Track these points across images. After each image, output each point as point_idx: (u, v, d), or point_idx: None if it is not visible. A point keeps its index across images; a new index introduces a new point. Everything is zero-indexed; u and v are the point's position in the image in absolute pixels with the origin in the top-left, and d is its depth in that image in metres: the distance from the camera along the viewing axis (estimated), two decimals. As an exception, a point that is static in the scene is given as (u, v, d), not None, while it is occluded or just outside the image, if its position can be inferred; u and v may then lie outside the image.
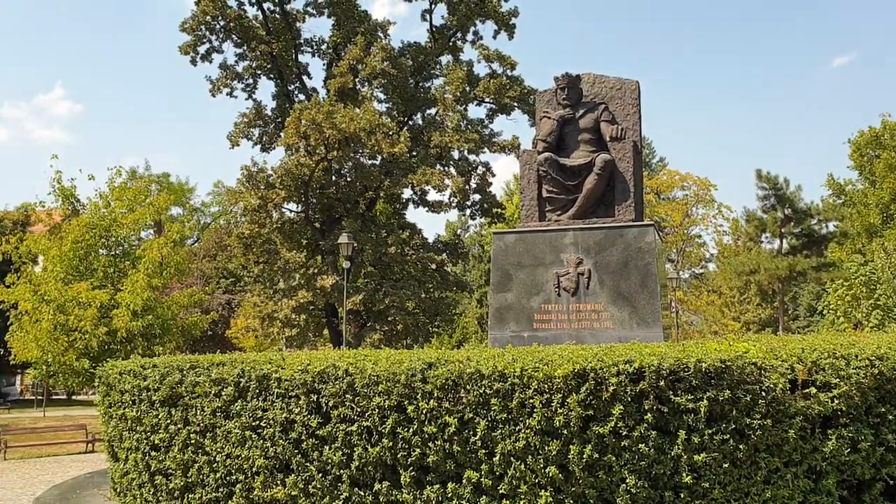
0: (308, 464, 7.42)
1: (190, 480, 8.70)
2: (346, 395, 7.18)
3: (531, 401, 6.24)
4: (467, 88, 32.86)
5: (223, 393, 8.27)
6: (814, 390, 5.99)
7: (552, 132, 11.35)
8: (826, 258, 44.72)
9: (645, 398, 5.95)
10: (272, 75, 34.75)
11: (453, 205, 34.36)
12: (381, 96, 34.15)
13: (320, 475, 7.30)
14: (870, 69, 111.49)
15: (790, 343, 6.77)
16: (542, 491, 6.18)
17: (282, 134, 31.91)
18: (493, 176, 34.80)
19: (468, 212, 35.68)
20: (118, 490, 10.69)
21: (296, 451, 7.53)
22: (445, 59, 35.50)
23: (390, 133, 30.48)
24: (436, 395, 6.65)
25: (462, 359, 6.79)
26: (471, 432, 6.50)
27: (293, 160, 31.14)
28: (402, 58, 33.73)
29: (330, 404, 7.28)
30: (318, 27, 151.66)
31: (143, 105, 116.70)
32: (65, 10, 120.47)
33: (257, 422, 7.90)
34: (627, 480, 5.93)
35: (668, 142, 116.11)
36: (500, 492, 6.35)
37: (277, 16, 34.61)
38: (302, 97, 34.81)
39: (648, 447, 5.90)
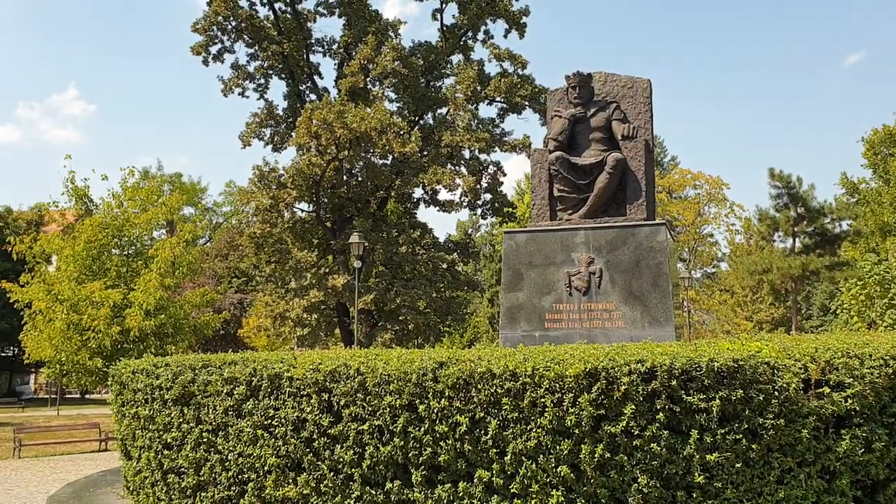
0: (320, 462, 7.44)
1: (202, 479, 8.73)
2: (358, 395, 7.19)
3: (542, 400, 6.23)
4: (478, 88, 32.82)
5: (235, 392, 8.30)
6: (827, 390, 5.95)
7: (563, 131, 11.31)
8: (839, 257, 44.44)
9: (657, 398, 5.93)
10: (283, 75, 34.84)
11: (464, 204, 34.33)
12: (392, 96, 34.19)
13: (332, 474, 7.32)
14: (882, 67, 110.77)
15: (803, 342, 6.73)
16: (554, 490, 6.17)
17: (293, 134, 31.98)
18: (504, 175, 34.77)
19: (479, 211, 35.64)
20: (131, 488, 10.74)
21: (307, 449, 7.54)
22: (456, 58, 35.48)
23: (401, 132, 30.50)
24: (447, 394, 6.65)
25: (473, 358, 6.78)
26: (482, 431, 6.50)
27: (304, 160, 31.20)
28: (413, 57, 33.73)
29: (341, 403, 7.29)
30: (329, 27, 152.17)
31: (155, 105, 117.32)
32: (78, 10, 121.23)
33: (269, 421, 7.93)
34: (639, 480, 5.92)
35: (679, 140, 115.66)
36: (512, 491, 6.35)
37: (289, 16, 34.70)
38: (313, 97, 34.89)
39: (660, 447, 5.88)
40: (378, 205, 34.09)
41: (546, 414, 6.18)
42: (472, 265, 49.27)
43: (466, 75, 32.46)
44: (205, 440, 8.72)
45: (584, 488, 6.11)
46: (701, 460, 5.82)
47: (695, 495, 5.87)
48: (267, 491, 7.80)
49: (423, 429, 6.77)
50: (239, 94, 34.74)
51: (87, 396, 53.05)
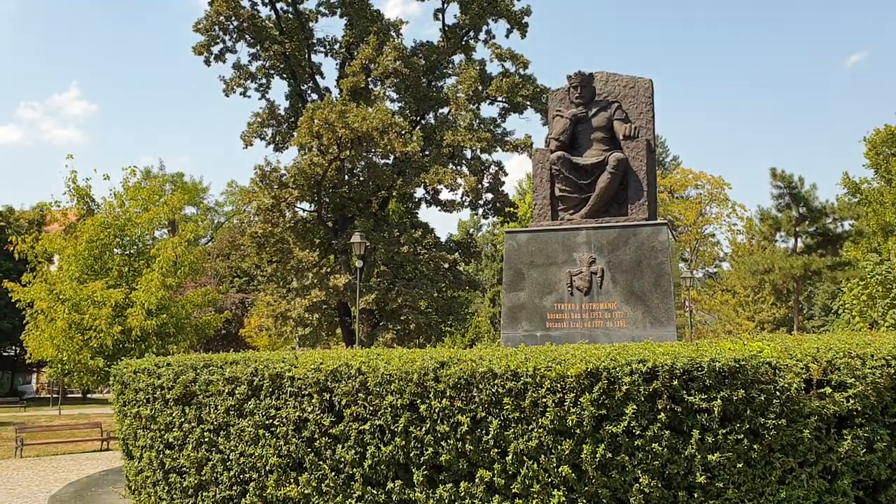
0: (321, 462, 7.44)
1: (204, 478, 8.74)
2: (359, 394, 7.20)
3: (544, 400, 6.23)
4: (480, 87, 32.79)
5: (237, 391, 8.30)
6: (829, 390, 5.95)
7: (565, 131, 11.31)
8: (841, 257, 44.42)
9: (658, 397, 5.93)
10: (285, 75, 34.83)
11: (466, 204, 34.30)
12: (394, 95, 34.16)
13: (333, 474, 7.32)
14: (884, 67, 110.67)
15: (805, 342, 6.72)
16: (555, 490, 6.17)
17: (295, 133, 31.97)
18: (506, 175, 34.73)
19: (481, 211, 35.59)
20: (133, 488, 10.76)
21: (309, 449, 7.55)
22: (458, 58, 35.44)
23: (403, 132, 30.48)
24: (448, 394, 6.65)
25: (475, 358, 6.79)
26: (483, 431, 6.50)
27: (306, 160, 31.19)
28: (415, 57, 33.71)
29: (343, 403, 7.30)
30: (331, 27, 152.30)
31: (157, 105, 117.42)
32: (80, 10, 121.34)
33: (270, 420, 7.93)
34: (641, 480, 5.91)
35: (681, 140, 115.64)
36: (513, 491, 6.35)
37: (290, 16, 34.69)
38: (315, 97, 34.88)
39: (662, 447, 5.87)
40: (379, 204, 34.08)
41: (547, 414, 6.18)
42: (473, 265, 49.25)
43: (468, 75, 32.44)
44: (206, 440, 8.73)
45: (586, 488, 6.10)
46: (702, 460, 5.82)
47: (696, 495, 5.86)
48: (268, 490, 7.80)
49: (424, 428, 6.77)
50: (241, 94, 34.74)
51: (88, 396, 53.12)
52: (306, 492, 7.50)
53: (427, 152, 32.09)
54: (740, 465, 5.79)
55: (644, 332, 9.76)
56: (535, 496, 6.23)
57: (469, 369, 6.61)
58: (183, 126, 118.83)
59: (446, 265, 33.38)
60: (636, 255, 10.29)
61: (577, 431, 6.10)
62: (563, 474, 6.12)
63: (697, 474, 5.81)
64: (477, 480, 6.51)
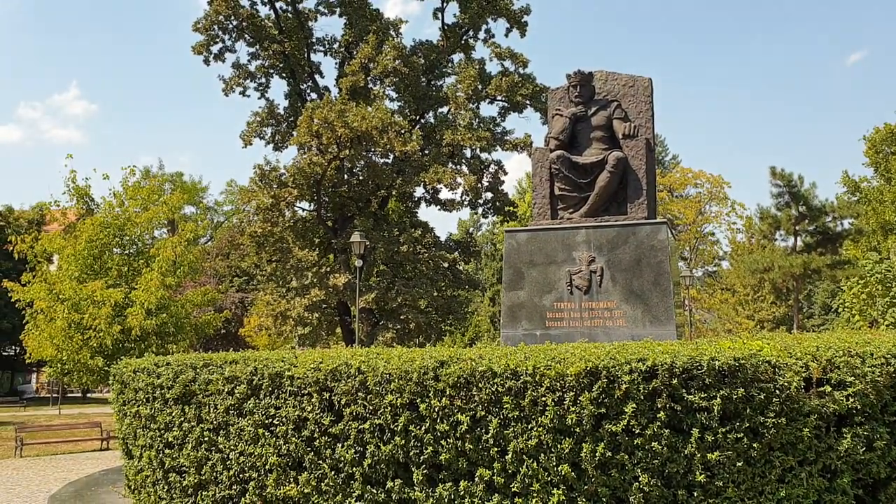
0: (321, 461, 7.44)
1: (203, 478, 8.74)
2: (359, 393, 7.20)
3: (543, 399, 6.23)
4: (479, 86, 32.78)
5: (236, 391, 8.30)
6: (828, 388, 5.95)
7: (564, 130, 11.31)
8: (841, 256, 44.40)
9: (658, 396, 5.93)
10: (284, 74, 34.82)
11: (465, 203, 34.30)
12: (393, 95, 34.15)
13: (333, 473, 7.32)
14: (884, 65, 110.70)
15: (805, 341, 6.73)
16: (555, 489, 6.17)
17: (294, 133, 31.96)
18: (506, 174, 34.72)
19: (480, 210, 35.59)
20: (132, 487, 10.76)
21: (308, 448, 7.55)
22: (457, 57, 35.43)
23: (402, 131, 30.47)
24: (448, 393, 6.65)
25: (474, 357, 6.79)
26: (483, 430, 6.50)
27: (305, 159, 31.18)
28: (414, 56, 33.70)
29: (342, 402, 7.29)
30: (330, 26, 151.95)
31: (156, 104, 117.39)
32: (79, 9, 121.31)
33: (270, 419, 7.93)
34: (640, 479, 5.91)
35: (681, 139, 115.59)
36: (513, 490, 6.35)
37: (290, 15, 34.67)
38: (314, 96, 34.87)
39: (661, 445, 5.87)
40: (379, 204, 34.07)
41: (547, 413, 6.18)
42: (473, 264, 49.16)
43: (467, 74, 32.43)
44: (206, 439, 8.72)
45: (586, 487, 6.10)
46: (702, 459, 5.82)
47: (696, 494, 5.86)
48: (268, 490, 7.80)
49: (424, 427, 6.77)
50: (240, 94, 34.73)
51: (88, 395, 53.12)
52: (306, 491, 7.50)
53: (426, 151, 32.08)
54: (740, 464, 5.79)
55: (643, 331, 9.76)
56: (535, 495, 6.23)
57: (469, 368, 6.61)
58: (182, 125, 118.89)
59: (446, 264, 33.37)
60: (635, 254, 10.29)
61: (577, 430, 6.10)
62: (563, 473, 6.12)
63: (697, 473, 5.81)
64: (476, 479, 6.51)
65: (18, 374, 58.27)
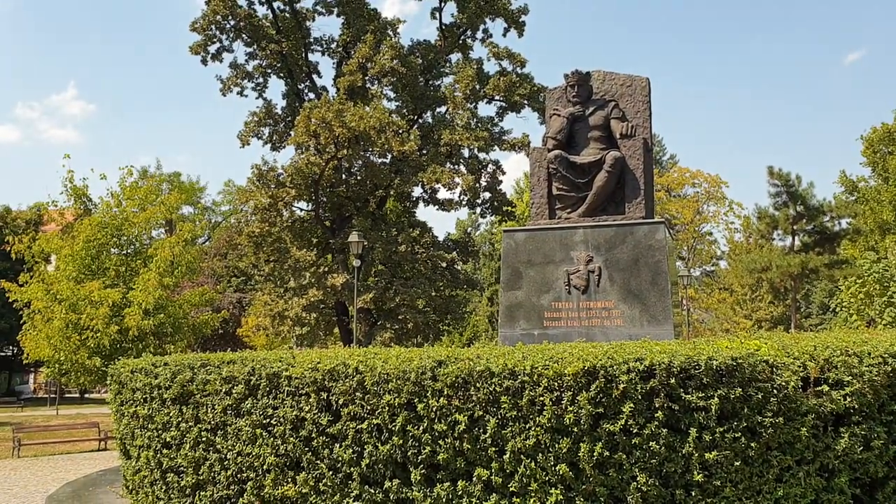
0: (318, 461, 7.44)
1: (201, 478, 8.73)
2: (357, 393, 7.19)
3: (541, 398, 6.23)
4: (477, 86, 32.80)
5: (234, 391, 8.29)
6: (826, 388, 5.95)
7: (562, 129, 11.31)
8: (839, 255, 44.40)
9: (655, 396, 5.93)
10: (282, 74, 34.81)
11: (463, 203, 34.32)
12: (391, 94, 34.17)
13: (331, 473, 7.32)
14: (882, 65, 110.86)
15: (802, 341, 6.73)
16: (553, 489, 6.17)
17: (292, 133, 31.97)
18: (504, 174, 34.78)
19: (478, 210, 35.64)
20: (130, 487, 10.74)
21: (306, 448, 7.54)
22: (455, 57, 35.45)
23: (400, 131, 30.48)
24: (446, 392, 6.65)
25: (472, 357, 6.79)
26: (481, 430, 6.49)
27: (303, 159, 31.18)
28: (412, 56, 33.71)
29: (340, 402, 7.29)
30: (328, 26, 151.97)
31: (154, 104, 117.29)
32: (77, 9, 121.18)
33: (268, 419, 7.92)
34: (638, 478, 5.91)
35: (678, 139, 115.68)
36: (511, 489, 6.35)
37: (287, 15, 34.66)
38: (312, 96, 34.87)
39: (659, 445, 5.87)
40: (377, 204, 34.08)
41: (545, 412, 6.18)
42: (471, 264, 49.23)
43: (465, 74, 32.44)
44: (203, 439, 8.71)
45: (583, 487, 6.10)
46: (700, 458, 5.82)
47: (694, 493, 5.86)
48: (266, 490, 7.79)
49: (421, 427, 6.77)
50: (238, 94, 34.74)
51: (86, 396, 53.02)
52: (304, 491, 7.49)
53: (424, 151, 32.10)
54: (738, 464, 5.79)
55: (641, 331, 9.76)
56: (533, 495, 6.23)
57: (466, 368, 6.61)
58: (180, 126, 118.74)
59: (444, 264, 33.39)
60: (633, 254, 10.29)
61: (575, 430, 6.10)
62: (561, 473, 6.12)
63: (695, 472, 5.81)
64: (474, 479, 6.51)
65: (16, 375, 58.16)
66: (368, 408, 7.11)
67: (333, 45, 35.45)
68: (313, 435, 7.49)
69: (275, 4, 34.49)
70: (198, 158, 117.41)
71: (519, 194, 60.27)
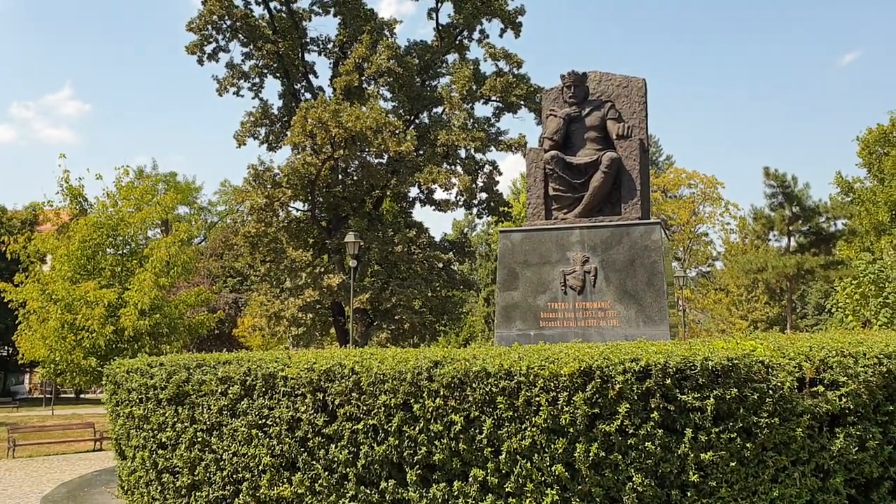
0: (314, 462, 7.43)
1: (197, 478, 8.72)
2: (353, 394, 7.19)
3: (537, 399, 6.23)
4: (474, 87, 32.80)
5: (229, 391, 8.29)
6: (821, 388, 5.96)
7: (558, 130, 11.32)
8: (834, 256, 44.52)
9: (651, 396, 5.94)
10: (278, 74, 34.77)
11: (460, 203, 34.32)
12: (388, 95, 34.17)
13: (326, 473, 7.31)
14: (878, 66, 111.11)
15: (798, 341, 6.74)
16: (549, 489, 6.17)
17: (288, 133, 31.94)
18: (500, 174, 34.77)
19: (475, 210, 35.64)
20: (126, 488, 10.73)
21: (302, 449, 7.54)
22: (452, 57, 35.44)
23: (397, 132, 30.47)
24: (442, 393, 6.65)
25: (468, 357, 6.78)
26: (477, 430, 6.49)
27: (300, 159, 31.15)
28: (409, 56, 33.70)
29: (336, 403, 7.29)
30: (325, 26, 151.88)
31: (150, 104, 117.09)
32: (73, 9, 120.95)
33: (263, 420, 7.92)
34: (634, 479, 5.92)
35: (675, 140, 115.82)
36: (507, 490, 6.35)
37: (284, 15, 34.63)
38: (308, 96, 34.84)
39: (655, 445, 5.88)
40: (373, 204, 34.06)
41: (541, 413, 6.18)
42: (467, 264, 49.27)
43: (462, 74, 32.44)
44: (199, 440, 8.70)
45: (579, 487, 6.11)
46: (695, 459, 5.82)
47: (689, 494, 5.87)
48: (262, 490, 7.79)
49: (417, 428, 6.77)
50: (234, 94, 34.67)
51: (81, 396, 52.90)
52: (299, 491, 7.48)
53: (421, 152, 32.09)
54: (733, 464, 5.79)
55: (637, 331, 9.77)
56: (529, 495, 6.23)
57: (463, 368, 6.61)
58: (176, 126, 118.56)
59: (440, 265, 33.38)
60: (629, 255, 10.31)
61: (571, 430, 6.10)
62: (557, 473, 6.12)
63: (690, 473, 5.82)
64: (470, 479, 6.51)
65: (11, 375, 58.02)
66: (364, 408, 7.10)
67: (330, 46, 35.43)
68: (309, 435, 7.48)
69: (271, 4, 34.45)
70: (194, 158, 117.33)
71: (515, 195, 60.36)
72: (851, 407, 5.96)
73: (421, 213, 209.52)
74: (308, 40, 35.23)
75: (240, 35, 33.57)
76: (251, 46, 33.76)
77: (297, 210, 34.14)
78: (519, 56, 33.59)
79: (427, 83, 35.03)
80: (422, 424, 6.74)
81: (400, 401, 6.87)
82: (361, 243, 28.33)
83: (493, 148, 33.47)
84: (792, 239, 47.79)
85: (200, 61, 33.60)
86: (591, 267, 10.41)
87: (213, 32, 33.32)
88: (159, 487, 9.45)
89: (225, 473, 8.32)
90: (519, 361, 6.43)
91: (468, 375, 6.56)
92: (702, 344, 6.55)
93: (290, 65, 34.43)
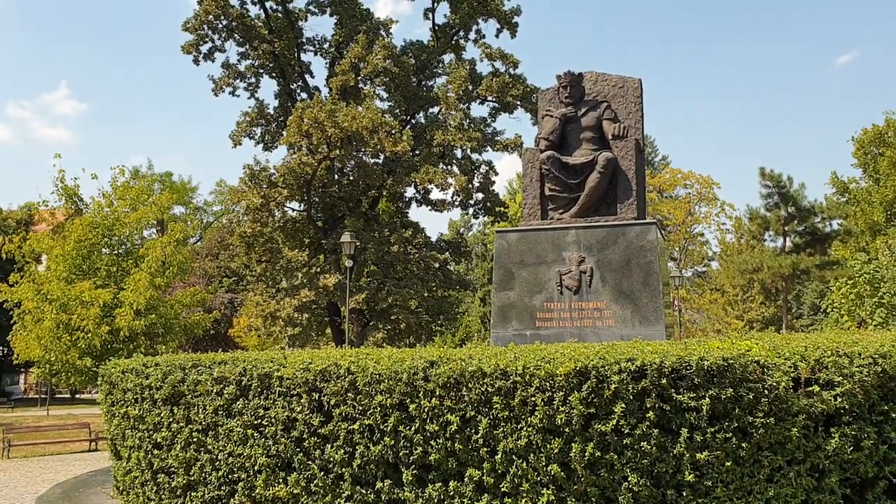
0: (310, 462, 7.43)
1: (192, 479, 8.71)
2: (348, 394, 7.19)
3: (533, 399, 6.23)
4: (470, 87, 32.80)
5: (225, 391, 8.28)
6: (817, 388, 5.97)
7: (554, 130, 11.33)
8: (830, 256, 44.63)
9: (647, 396, 5.94)
10: (274, 74, 34.74)
11: (456, 204, 34.33)
12: (384, 95, 34.13)
13: (322, 473, 7.31)
14: (873, 67, 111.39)
15: (793, 341, 6.75)
16: (545, 489, 6.17)
17: (284, 133, 31.89)
18: (496, 174, 34.77)
19: (471, 210, 35.66)
20: (121, 488, 10.71)
21: (298, 449, 7.53)
22: (448, 57, 35.44)
23: (393, 132, 30.44)
24: (438, 393, 6.65)
25: (464, 357, 6.78)
26: (473, 430, 6.49)
27: (295, 159, 31.12)
28: (405, 56, 33.68)
29: (332, 403, 7.28)
30: (321, 26, 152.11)
31: (146, 104, 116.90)
32: (69, 8, 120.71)
33: (259, 420, 7.91)
34: (630, 479, 5.92)
35: (670, 140, 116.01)
36: (502, 490, 6.35)
37: (280, 15, 34.60)
38: (304, 96, 34.80)
39: (650, 445, 5.88)
40: (370, 204, 34.05)
41: (536, 413, 6.18)
42: (464, 264, 49.27)
43: (458, 74, 32.44)
44: (195, 440, 8.69)
45: (575, 487, 6.11)
46: (691, 459, 5.83)
47: (685, 494, 5.87)
48: (257, 491, 7.78)
49: (413, 428, 6.76)
50: (230, 94, 34.62)
51: (77, 396, 52.81)
52: (295, 492, 7.48)
53: (417, 152, 32.08)
54: (729, 464, 5.80)
55: (633, 331, 9.78)
56: (525, 495, 6.23)
57: (458, 368, 6.60)
58: (172, 126, 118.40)
59: (437, 265, 33.39)
60: (625, 255, 10.31)
61: (566, 430, 6.10)
62: (553, 473, 6.12)
63: (686, 473, 5.82)
64: (466, 479, 6.51)
65: (6, 375, 57.89)
66: (360, 408, 7.10)
67: (326, 45, 35.42)
68: (305, 435, 7.47)
69: (267, 4, 34.42)
70: (189, 158, 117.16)
71: (511, 195, 60.43)
72: (847, 407, 5.96)
73: (417, 214, 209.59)
74: (304, 40, 35.21)
75: (236, 35, 33.52)
76: (247, 46, 33.71)
77: (293, 210, 34.11)
78: (515, 56, 33.63)
79: (423, 83, 35.03)
80: (418, 424, 6.74)
81: (396, 401, 6.87)
82: (357, 243, 28.32)
83: (489, 148, 33.49)
84: (787, 239, 47.89)
85: (196, 61, 33.54)
86: (587, 267, 10.41)
87: (209, 32, 33.27)
88: (155, 488, 9.43)
89: (220, 474, 8.31)
90: (515, 361, 6.43)
91: (464, 375, 6.56)
92: (697, 344, 6.55)
93: (286, 64, 34.40)
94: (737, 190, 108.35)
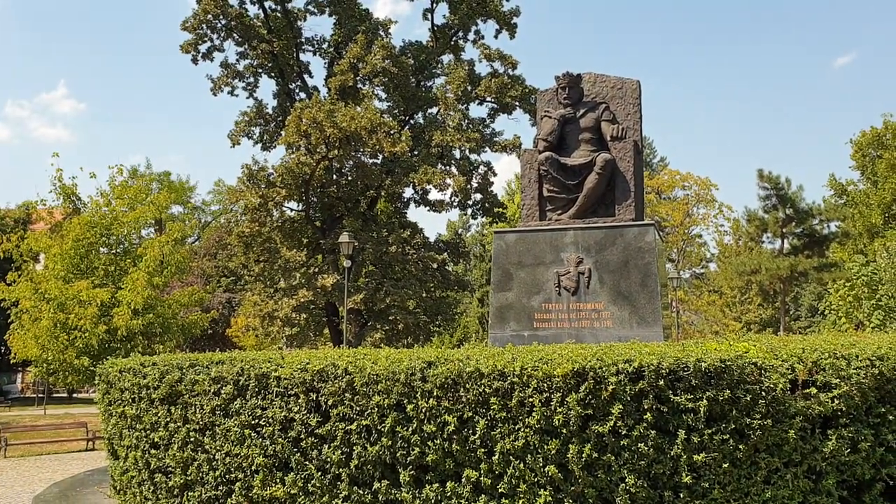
0: (307, 462, 7.42)
1: (189, 478, 8.70)
2: (346, 394, 7.18)
3: (530, 400, 6.23)
4: (469, 87, 32.79)
5: (222, 391, 8.27)
6: (814, 390, 5.98)
7: (553, 131, 11.33)
8: (828, 258, 44.65)
9: (644, 397, 5.94)
10: (273, 74, 34.73)
11: (454, 204, 34.31)
12: (382, 95, 34.11)
13: (319, 474, 7.30)
14: (872, 69, 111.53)
15: (791, 343, 6.76)
16: (542, 490, 6.17)
17: (283, 132, 31.88)
18: (495, 175, 34.77)
19: (469, 211, 35.64)
20: (118, 488, 10.70)
21: (295, 449, 7.53)
22: (447, 58, 35.45)
23: (391, 132, 30.44)
24: (435, 393, 6.65)
25: (462, 358, 6.79)
26: (470, 431, 6.49)
27: (294, 159, 31.11)
28: (404, 56, 33.68)
29: (329, 403, 7.28)
30: (320, 26, 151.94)
31: (145, 103, 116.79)
32: (68, 8, 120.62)
33: (256, 420, 7.91)
34: (627, 480, 5.92)
35: (669, 141, 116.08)
36: (500, 491, 6.35)
37: (279, 14, 34.59)
38: (303, 96, 34.79)
39: (648, 447, 5.89)
40: (368, 204, 34.04)
41: (534, 413, 6.18)
42: (462, 265, 49.25)
43: (457, 75, 32.45)
44: (192, 439, 8.69)
45: (572, 488, 6.11)
46: (688, 460, 5.83)
47: (682, 495, 5.88)
48: (254, 491, 7.77)
49: (411, 428, 6.76)
50: (228, 93, 34.58)
51: (74, 395, 52.72)
52: (292, 492, 7.47)
53: (416, 152, 32.08)
54: (726, 466, 5.80)
55: (631, 332, 9.79)
56: (522, 496, 6.23)
57: (456, 369, 6.61)
58: (170, 125, 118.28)
59: (435, 265, 33.38)
60: (623, 256, 10.32)
61: (564, 431, 6.10)
62: (550, 474, 6.13)
63: (683, 474, 5.83)
64: (463, 480, 6.51)
65: (3, 374, 57.80)
66: (358, 409, 7.10)
67: (325, 45, 35.40)
68: (302, 436, 7.47)
69: (266, 4, 34.40)
70: (188, 158, 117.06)
71: (510, 196, 60.42)
72: (844, 409, 5.97)
73: (415, 214, 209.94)
74: (303, 40, 35.20)
75: (234, 34, 33.51)
76: (246, 46, 33.70)
77: (292, 210, 34.10)
78: (514, 57, 33.63)
79: (422, 84, 35.03)
80: (415, 425, 6.74)
81: (393, 401, 6.87)
82: (356, 243, 28.31)
83: (487, 149, 33.49)
84: (785, 241, 47.96)
85: (195, 60, 33.50)
86: (585, 268, 10.42)
87: (208, 31, 33.24)
88: (152, 487, 9.43)
89: (217, 473, 8.30)
90: (512, 362, 6.44)
91: (462, 376, 6.56)
92: (695, 345, 6.56)
93: (284, 64, 34.39)
94: (735, 191, 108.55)
